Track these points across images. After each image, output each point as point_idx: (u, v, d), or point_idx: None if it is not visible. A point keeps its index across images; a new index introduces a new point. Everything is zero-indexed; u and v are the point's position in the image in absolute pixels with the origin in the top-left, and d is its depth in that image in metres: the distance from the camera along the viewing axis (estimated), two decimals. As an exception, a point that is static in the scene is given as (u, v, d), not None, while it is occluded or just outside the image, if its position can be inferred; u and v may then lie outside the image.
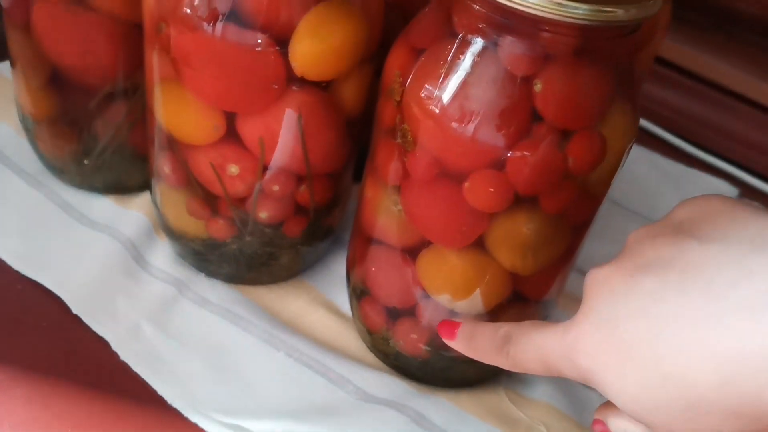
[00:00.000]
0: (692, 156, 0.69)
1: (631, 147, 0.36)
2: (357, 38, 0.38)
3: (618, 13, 0.30)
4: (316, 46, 0.36)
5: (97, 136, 0.47)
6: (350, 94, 0.40)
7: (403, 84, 0.35)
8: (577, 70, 0.32)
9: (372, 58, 0.41)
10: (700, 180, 0.66)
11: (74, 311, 0.42)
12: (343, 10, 0.37)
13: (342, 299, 0.46)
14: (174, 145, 0.41)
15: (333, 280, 0.48)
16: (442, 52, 0.33)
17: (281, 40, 0.36)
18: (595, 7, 0.29)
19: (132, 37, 0.43)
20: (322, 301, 0.46)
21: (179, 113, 0.39)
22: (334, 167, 0.43)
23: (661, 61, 0.71)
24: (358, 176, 0.44)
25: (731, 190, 0.66)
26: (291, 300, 0.46)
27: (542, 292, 0.40)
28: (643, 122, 0.72)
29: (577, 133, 0.33)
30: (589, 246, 0.43)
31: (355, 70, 0.39)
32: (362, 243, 0.41)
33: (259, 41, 0.35)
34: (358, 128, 0.43)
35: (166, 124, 0.40)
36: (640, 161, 0.68)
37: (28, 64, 0.46)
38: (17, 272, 0.44)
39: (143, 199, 0.50)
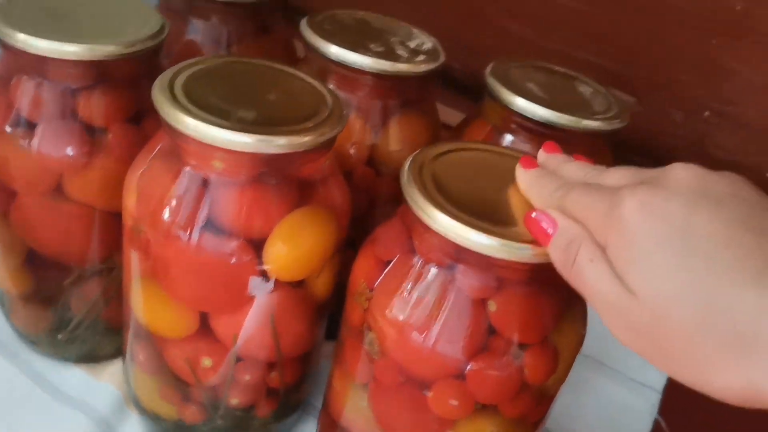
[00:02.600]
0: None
1: (581, 348, 0.39)
2: (328, 241, 0.40)
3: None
4: (290, 253, 0.39)
5: (71, 312, 0.48)
6: (321, 285, 0.42)
7: (370, 293, 0.38)
8: (529, 292, 0.35)
9: (341, 248, 0.43)
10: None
11: (45, 499, 0.43)
12: (315, 215, 0.40)
13: (311, 473, 0.48)
14: (149, 336, 0.42)
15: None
16: (404, 270, 0.36)
17: (256, 245, 0.38)
18: (542, 249, 0.32)
19: (109, 224, 0.45)
20: (291, 473, 0.48)
21: (155, 309, 0.41)
22: (305, 350, 0.45)
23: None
24: (329, 335, 0.46)
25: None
26: (261, 474, 0.47)
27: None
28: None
29: (531, 346, 0.36)
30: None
31: (326, 264, 0.42)
32: (331, 427, 0.43)
33: (235, 251, 0.38)
34: (329, 307, 0.45)
35: (141, 318, 0.42)
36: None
37: (4, 245, 0.47)
38: (-12, 454, 0.45)
39: (115, 367, 0.51)
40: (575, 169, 0.34)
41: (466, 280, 0.34)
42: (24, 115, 0.42)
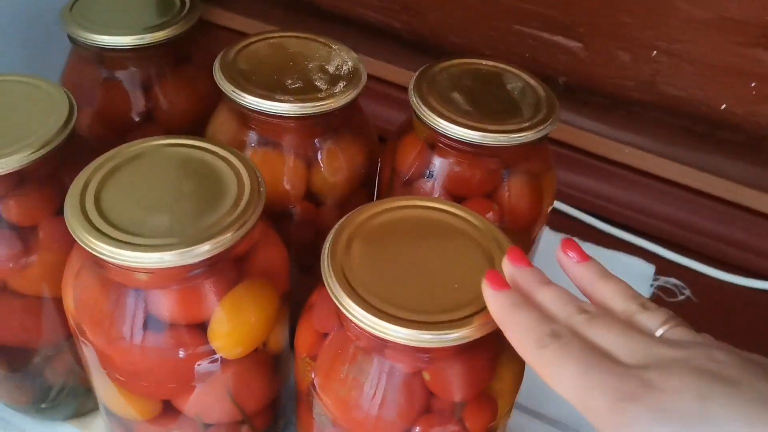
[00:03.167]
0: (609, 235, 0.74)
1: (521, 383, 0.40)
2: (270, 309, 0.41)
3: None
4: (234, 334, 0.40)
5: (49, 383, 0.50)
6: (274, 343, 0.44)
7: (313, 363, 0.39)
8: (461, 359, 0.36)
9: (286, 302, 0.44)
10: (618, 263, 0.71)
11: None
12: (252, 289, 0.41)
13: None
14: (116, 417, 0.44)
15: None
16: (339, 348, 0.37)
17: (200, 331, 0.39)
18: (467, 330, 0.33)
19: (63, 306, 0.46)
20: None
21: (116, 397, 0.43)
22: (271, 400, 0.47)
23: (569, 146, 0.75)
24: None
25: (648, 268, 0.71)
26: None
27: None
28: (559, 205, 0.76)
29: (469, 402, 0.37)
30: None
31: (274, 326, 0.43)
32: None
33: (180, 344, 0.39)
34: (287, 353, 0.47)
35: (106, 404, 0.44)
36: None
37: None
38: None
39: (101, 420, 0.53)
40: (556, 300, 0.32)
41: (397, 360, 0.36)
42: (-49, 227, 0.42)
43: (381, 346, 0.35)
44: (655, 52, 0.66)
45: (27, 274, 0.44)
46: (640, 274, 0.70)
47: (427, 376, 0.36)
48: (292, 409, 0.50)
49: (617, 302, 0.32)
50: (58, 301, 0.45)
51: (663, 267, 0.71)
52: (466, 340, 0.34)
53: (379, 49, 0.80)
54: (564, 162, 0.76)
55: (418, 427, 0.37)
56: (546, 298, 0.32)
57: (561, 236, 0.73)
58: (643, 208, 0.73)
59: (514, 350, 0.39)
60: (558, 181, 0.75)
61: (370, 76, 0.50)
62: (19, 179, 0.41)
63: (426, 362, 0.36)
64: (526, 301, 0.32)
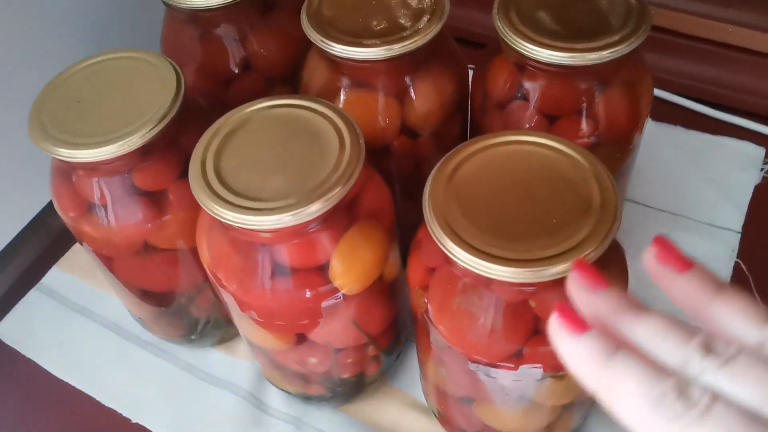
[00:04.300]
0: (715, 119, 0.72)
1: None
2: (382, 247, 0.45)
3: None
4: (352, 273, 0.43)
5: (195, 317, 0.57)
6: (388, 273, 0.47)
7: (425, 299, 0.42)
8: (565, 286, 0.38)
9: (395, 236, 0.47)
10: (725, 148, 0.69)
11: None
12: (364, 231, 0.44)
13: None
14: (258, 347, 0.50)
15: (413, 377, 0.57)
16: (447, 282, 0.41)
17: (322, 271, 0.43)
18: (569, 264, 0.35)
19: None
20: (410, 401, 0.56)
21: (255, 333, 0.48)
22: (389, 323, 0.51)
23: (668, 31, 0.72)
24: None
25: (757, 151, 0.69)
26: (385, 408, 0.56)
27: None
28: (661, 93, 0.74)
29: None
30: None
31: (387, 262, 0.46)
32: (426, 379, 0.51)
33: (307, 286, 0.43)
34: (403, 278, 0.51)
35: (247, 337, 0.50)
36: (661, 143, 0.71)
37: (119, 290, 0.55)
38: (172, 442, 0.57)
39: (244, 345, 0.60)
40: (663, 336, 0.23)
41: (503, 293, 0.39)
42: (93, 201, 0.47)
43: (486, 281, 0.38)
44: None
45: (164, 232, 0.49)
46: (749, 158, 0.69)
47: (533, 303, 0.39)
48: (412, 325, 0.55)
49: (744, 328, 0.22)
50: (195, 252, 0.50)
51: (774, 148, 0.69)
52: (566, 274, 0.36)
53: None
54: (664, 47, 0.73)
55: (526, 348, 0.40)
56: (647, 334, 0.23)
57: (664, 126, 0.72)
58: (750, 87, 0.71)
59: (617, 267, 0.42)
60: (659, 69, 0.73)
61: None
62: (144, 152, 0.45)
63: (531, 292, 0.38)
64: (620, 345, 0.22)
